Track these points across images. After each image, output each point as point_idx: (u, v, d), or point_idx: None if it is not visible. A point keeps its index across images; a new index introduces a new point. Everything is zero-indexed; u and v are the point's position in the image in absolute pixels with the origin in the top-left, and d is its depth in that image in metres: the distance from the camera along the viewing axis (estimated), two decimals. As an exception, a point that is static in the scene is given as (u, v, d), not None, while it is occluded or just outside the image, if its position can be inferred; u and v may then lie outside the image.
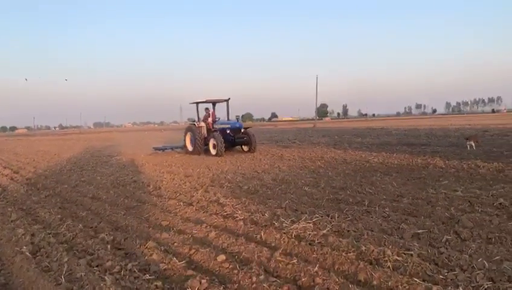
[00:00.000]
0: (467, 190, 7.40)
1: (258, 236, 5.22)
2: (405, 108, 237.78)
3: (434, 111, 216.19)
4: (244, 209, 6.64)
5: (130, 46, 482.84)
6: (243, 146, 18.09)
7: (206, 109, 18.94)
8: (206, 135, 17.96)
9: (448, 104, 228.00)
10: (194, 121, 19.27)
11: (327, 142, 22.24)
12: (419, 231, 5.00)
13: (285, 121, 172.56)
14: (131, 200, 7.87)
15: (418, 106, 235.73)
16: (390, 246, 4.58)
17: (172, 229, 5.81)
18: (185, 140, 18.89)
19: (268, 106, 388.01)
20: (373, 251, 4.40)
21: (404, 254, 4.30)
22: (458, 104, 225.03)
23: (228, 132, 17.30)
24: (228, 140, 17.16)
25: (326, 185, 8.55)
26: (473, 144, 15.20)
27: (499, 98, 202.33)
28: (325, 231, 5.18)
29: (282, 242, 4.93)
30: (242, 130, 17.70)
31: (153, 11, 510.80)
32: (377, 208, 6.26)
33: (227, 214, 6.43)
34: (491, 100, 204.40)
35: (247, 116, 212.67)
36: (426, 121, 65.67)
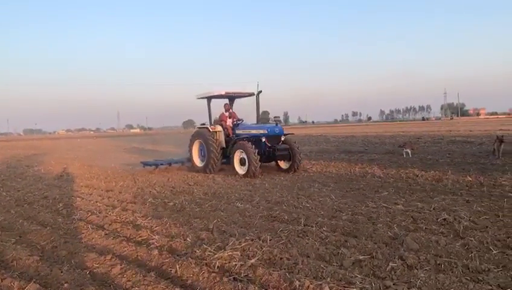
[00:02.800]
0: (407, 202, 6.95)
1: (173, 270, 4.30)
2: (342, 115, 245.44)
3: (369, 118, 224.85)
4: (163, 233, 5.70)
5: (62, 47, 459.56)
6: (278, 161, 12.45)
7: (226, 105, 13.50)
8: (224, 145, 12.65)
9: (382, 112, 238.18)
10: (203, 124, 13.61)
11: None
12: (361, 257, 4.33)
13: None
14: (31, 223, 6.62)
15: (355, 114, 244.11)
16: (328, 278, 3.87)
17: (69, 262, 4.72)
18: (191, 151, 13.36)
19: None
20: (308, 286, 3.65)
21: (345, 288, 3.61)
22: (391, 111, 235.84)
23: (264, 140, 11.66)
24: (263, 152, 11.66)
25: (261, 198, 7.80)
26: (409, 152, 15.23)
27: (428, 106, 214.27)
28: (253, 261, 4.38)
29: (201, 278, 4.05)
30: (282, 138, 12.13)
31: (91, 12, 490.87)
32: (314, 227, 5.57)
33: (141, 240, 5.46)
34: (421, 108, 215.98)
35: (189, 123, 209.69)
36: (362, 128, 67.63)
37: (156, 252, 4.84)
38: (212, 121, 13.54)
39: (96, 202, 8.29)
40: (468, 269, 3.91)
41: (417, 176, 9.89)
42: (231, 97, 13.66)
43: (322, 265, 4.15)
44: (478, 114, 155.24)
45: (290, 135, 12.73)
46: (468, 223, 5.43)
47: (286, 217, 6.22)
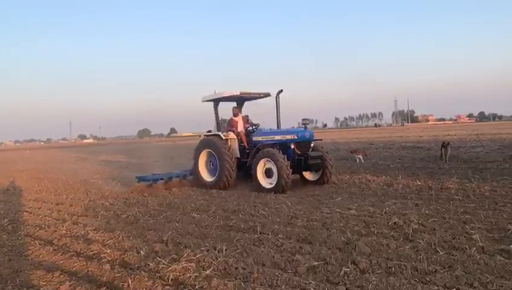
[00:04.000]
0: (360, 207, 7.12)
1: (125, 284, 4.17)
2: (298, 122, 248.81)
3: (325, 126, 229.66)
4: (115, 247, 5.53)
5: (7, 53, 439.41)
6: (304, 172, 10.66)
7: (235, 109, 11.79)
8: (238, 154, 10.83)
9: (337, 119, 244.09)
10: (209, 131, 11.83)
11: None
12: (315, 263, 4.39)
13: (185, 136, 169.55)
14: (-28, 241, 6.25)
15: (311, 121, 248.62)
16: (283, 286, 3.89)
17: (13, 281, 4.48)
18: (196, 163, 11.30)
19: (167, 121, 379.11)
20: (263, 295, 3.65)
21: (299, 295, 3.63)
22: (346, 119, 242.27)
23: (292, 147, 9.90)
24: (292, 162, 9.67)
25: (218, 208, 7.75)
26: (361, 157, 15.67)
27: (380, 113, 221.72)
28: (208, 271, 4.33)
29: (154, 292, 3.96)
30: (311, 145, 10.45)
31: (38, 20, 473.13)
32: (270, 235, 5.58)
33: (92, 254, 5.26)
34: (373, 115, 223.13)
35: (145, 132, 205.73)
36: (318, 135, 68.78)
37: (107, 266, 4.68)
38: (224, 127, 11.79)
39: (45, 216, 7.95)
40: (417, 270, 4.04)
41: (369, 181, 10.18)
42: (243, 99, 12.06)
43: (277, 273, 4.16)
44: (427, 120, 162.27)
45: (319, 142, 10.99)
46: (417, 226, 5.63)
47: (242, 226, 6.21)
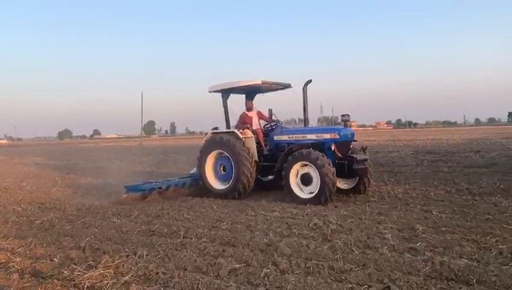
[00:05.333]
0: (284, 209, 7.28)
1: (35, 295, 3.92)
2: (232, 127, 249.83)
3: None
4: (26, 255, 5.17)
5: None
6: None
7: (249, 102, 10.01)
8: (256, 157, 9.11)
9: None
10: (216, 128, 9.96)
11: (150, 161, 21.05)
12: (237, 266, 4.41)
13: (109, 138, 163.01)
14: None
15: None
16: (204, 289, 3.87)
17: None
18: (202, 167, 9.46)
19: (90, 122, 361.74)
20: (183, 300, 3.60)
21: (220, 298, 3.63)
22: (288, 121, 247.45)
23: (333, 148, 8.14)
24: (337, 165, 8.02)
25: (140, 212, 7.53)
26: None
27: (306, 119, 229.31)
28: (127, 278, 4.19)
29: (67, 301, 3.75)
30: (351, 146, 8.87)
31: None
32: (193, 239, 5.53)
33: (0, 263, 4.88)
34: (301, 121, 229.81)
35: (65, 133, 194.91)
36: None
37: (16, 276, 4.36)
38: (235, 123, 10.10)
39: None
40: (333, 269, 4.21)
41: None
42: (256, 91, 10.14)
43: (198, 277, 4.13)
44: (350, 126, 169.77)
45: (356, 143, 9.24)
46: (336, 226, 5.87)
47: (165, 231, 6.08)
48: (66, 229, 6.49)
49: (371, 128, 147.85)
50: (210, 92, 9.74)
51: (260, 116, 10.07)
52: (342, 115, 8.94)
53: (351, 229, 5.73)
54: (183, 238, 5.66)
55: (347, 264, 4.36)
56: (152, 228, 6.25)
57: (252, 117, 9.85)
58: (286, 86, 9.89)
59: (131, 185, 9.38)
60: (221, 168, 9.33)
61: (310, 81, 9.06)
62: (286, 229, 5.91)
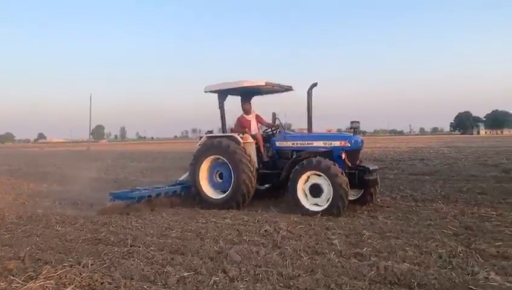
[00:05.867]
0: (235, 216, 7.28)
1: (-34, 310, 3.67)
2: (182, 132, 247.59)
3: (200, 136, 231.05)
4: (-42, 267, 4.83)
5: None
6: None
7: (247, 104, 9.42)
8: (256, 164, 8.50)
9: (219, 130, 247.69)
10: (211, 132, 9.54)
11: (99, 168, 20.37)
12: (185, 274, 4.34)
13: (55, 142, 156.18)
14: None
15: (194, 130, 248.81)
16: (151, 299, 3.78)
17: None
18: (196, 174, 8.68)
19: (35, 125, 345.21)
20: (129, 310, 3.50)
21: (167, 308, 3.56)
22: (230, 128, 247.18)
23: (344, 157, 7.73)
24: (347, 175, 7.40)
25: (86, 220, 7.25)
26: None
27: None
28: (70, 288, 4.02)
29: (2, 315, 3.54)
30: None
31: None
32: (141, 248, 5.39)
33: None
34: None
35: (7, 137, 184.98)
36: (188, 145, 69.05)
37: None
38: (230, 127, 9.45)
39: None
40: (282, 276, 4.24)
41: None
42: (254, 93, 9.47)
43: (145, 286, 4.03)
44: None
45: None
46: (286, 233, 5.94)
47: (112, 239, 5.89)
48: (4, 238, 6.14)
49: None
50: (206, 92, 9.10)
51: (259, 120, 9.48)
52: (352, 122, 8.40)
53: (301, 236, 5.81)
54: (131, 246, 5.50)
55: (296, 270, 4.41)
56: (98, 236, 6.04)
57: (250, 121, 9.24)
58: (288, 89, 9.29)
59: (118, 193, 8.57)
60: (218, 176, 8.61)
61: (316, 84, 8.28)
62: (237, 236, 5.90)
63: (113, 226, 6.75)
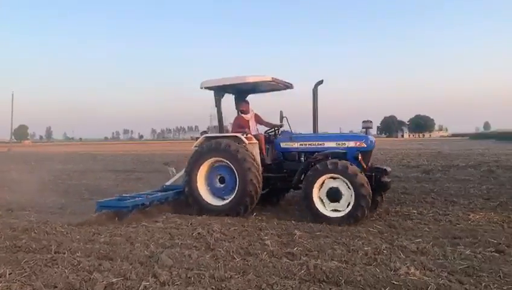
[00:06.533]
0: (167, 219, 7.13)
1: None
2: (113, 133, 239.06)
3: (141, 137, 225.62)
4: None
5: None
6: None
7: (245, 104, 8.76)
8: (260, 167, 7.75)
9: (154, 131, 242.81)
10: (205, 132, 8.96)
11: (20, 170, 19.07)
12: (113, 280, 4.18)
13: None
14: None
15: (126, 131, 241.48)
16: (75, 308, 3.59)
17: None
18: (192, 178, 7.88)
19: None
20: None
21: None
22: (163, 131, 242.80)
23: (360, 158, 7.13)
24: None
25: (5, 227, 6.73)
26: (174, 170, 15.81)
27: (196, 127, 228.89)
28: (-16, 301, 3.72)
29: None
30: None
31: None
32: (66, 254, 5.11)
33: None
34: (190, 128, 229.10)
35: None
36: (133, 147, 67.13)
37: None
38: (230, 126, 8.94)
39: None
40: (214, 278, 4.22)
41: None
42: (255, 89, 8.85)
43: (69, 294, 3.83)
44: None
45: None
46: (219, 235, 5.92)
47: (34, 246, 5.51)
48: None
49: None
50: (203, 88, 8.28)
51: (257, 119, 8.88)
52: (364, 121, 7.75)
53: (234, 237, 5.83)
54: (55, 253, 5.20)
55: (228, 272, 4.41)
56: (18, 244, 5.62)
57: (248, 120, 8.61)
58: (288, 86, 8.70)
59: (106, 201, 7.69)
60: (217, 181, 7.86)
61: (322, 81, 7.82)
62: (169, 239, 5.80)
63: (35, 232, 6.31)
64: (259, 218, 7.12)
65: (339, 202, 6.77)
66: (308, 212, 6.98)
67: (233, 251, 5.10)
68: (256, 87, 8.60)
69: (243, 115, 8.64)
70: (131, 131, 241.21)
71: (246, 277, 4.25)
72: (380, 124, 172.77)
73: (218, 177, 7.84)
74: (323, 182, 6.87)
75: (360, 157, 7.10)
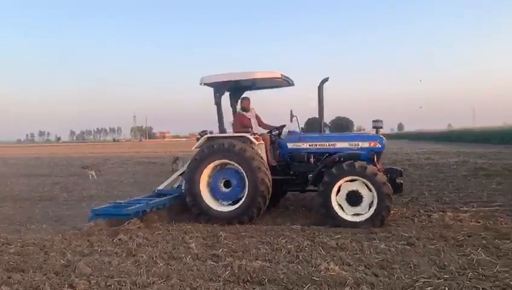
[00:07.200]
0: (87, 226, 6.77)
1: None
2: (27, 135, 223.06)
3: (58, 139, 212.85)
4: None
5: None
6: None
7: (246, 100, 8.22)
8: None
9: (72, 133, 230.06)
10: (204, 132, 7.74)
11: None
12: (24, 294, 3.90)
13: None
14: None
15: (42, 133, 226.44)
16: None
17: None
18: (195, 182, 7.13)
19: None
20: None
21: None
22: (82, 132, 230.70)
23: (375, 159, 6.82)
24: None
25: None
26: (94, 173, 15.15)
27: (119, 128, 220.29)
28: None
29: None
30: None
31: None
32: (-31, 268, 4.67)
33: None
34: (112, 130, 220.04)
35: None
36: (50, 149, 63.05)
37: None
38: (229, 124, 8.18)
39: None
40: (136, 284, 4.08)
41: (91, 196, 9.96)
42: (252, 86, 8.33)
43: (-28, 312, 3.50)
44: (164, 137, 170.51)
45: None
46: (142, 240, 5.73)
47: None
48: None
49: (184, 138, 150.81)
50: (202, 84, 7.63)
51: (259, 119, 8.30)
52: (374, 121, 7.46)
53: (158, 242, 5.68)
54: (-45, 268, 4.73)
55: (150, 277, 4.29)
56: None
57: (250, 119, 8.05)
58: (290, 84, 8.17)
59: (102, 209, 6.90)
60: (222, 184, 7.24)
61: (327, 79, 7.43)
62: (87, 247, 5.53)
63: None
64: (185, 221, 6.96)
65: (359, 206, 6.46)
66: (328, 219, 6.55)
67: (156, 256, 4.97)
68: (257, 84, 8.19)
69: (244, 112, 8.12)
70: (48, 133, 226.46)
71: (169, 281, 4.16)
72: (304, 125, 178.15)
73: (223, 181, 7.23)
74: (340, 186, 6.52)
75: (375, 158, 6.83)
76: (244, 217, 6.83)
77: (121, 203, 7.27)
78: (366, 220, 6.32)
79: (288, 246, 5.24)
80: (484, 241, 5.20)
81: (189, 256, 4.92)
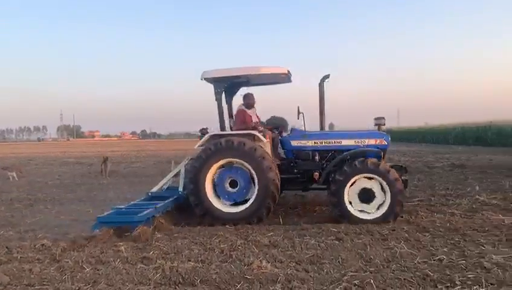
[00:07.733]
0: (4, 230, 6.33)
1: None
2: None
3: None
4: None
5: None
6: None
7: (249, 96, 7.77)
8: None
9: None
10: (204, 129, 7.32)
11: None
12: None
13: None
14: None
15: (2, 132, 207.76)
16: None
17: None
18: (199, 183, 6.71)
19: None
20: None
21: None
22: (3, 131, 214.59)
23: (383, 157, 7.01)
24: None
25: None
26: (15, 175, 14.16)
27: (44, 127, 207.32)
28: None
29: None
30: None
31: None
32: None
33: None
34: (36, 129, 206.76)
35: None
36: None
37: None
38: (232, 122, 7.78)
39: None
40: (59, 292, 3.87)
41: (11, 199, 9.42)
42: (250, 82, 7.81)
43: None
44: (93, 136, 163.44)
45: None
46: (67, 244, 5.42)
47: None
48: None
49: (116, 138, 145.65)
50: (203, 79, 7.24)
51: (257, 117, 8.01)
52: (376, 118, 7.42)
53: (85, 246, 5.41)
54: None
55: (76, 283, 4.09)
56: None
57: (251, 116, 7.70)
58: (289, 80, 7.95)
59: (108, 217, 6.26)
60: (228, 184, 6.91)
61: (328, 76, 7.33)
62: (5, 254, 5.14)
63: None
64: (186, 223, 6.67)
65: (371, 203, 6.45)
66: (341, 218, 6.44)
67: (82, 261, 4.74)
68: (257, 80, 7.85)
69: (246, 109, 7.73)
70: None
71: (96, 287, 4.00)
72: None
73: (229, 180, 6.92)
74: (354, 182, 6.47)
75: (382, 156, 6.93)
76: (253, 218, 6.65)
77: (121, 208, 6.70)
78: (379, 216, 6.33)
79: (222, 246, 5.23)
80: (406, 235, 5.53)
81: (119, 260, 4.75)
